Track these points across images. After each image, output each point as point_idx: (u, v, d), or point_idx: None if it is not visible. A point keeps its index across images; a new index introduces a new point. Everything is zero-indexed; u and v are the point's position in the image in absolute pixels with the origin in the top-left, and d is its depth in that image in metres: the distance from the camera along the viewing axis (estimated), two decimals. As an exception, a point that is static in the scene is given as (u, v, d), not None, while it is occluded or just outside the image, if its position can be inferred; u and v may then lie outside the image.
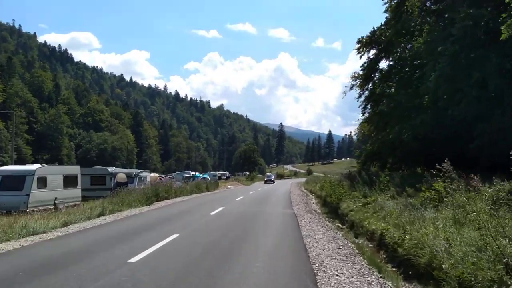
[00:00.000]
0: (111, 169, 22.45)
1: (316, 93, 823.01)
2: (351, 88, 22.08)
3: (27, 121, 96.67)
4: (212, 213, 16.18)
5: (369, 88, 21.78)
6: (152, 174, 26.35)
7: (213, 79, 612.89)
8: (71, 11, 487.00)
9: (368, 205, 10.51)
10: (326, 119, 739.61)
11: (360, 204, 11.10)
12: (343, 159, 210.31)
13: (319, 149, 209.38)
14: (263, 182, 66.83)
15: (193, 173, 68.60)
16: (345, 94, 22.64)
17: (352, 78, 21.95)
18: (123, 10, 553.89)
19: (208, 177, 65.55)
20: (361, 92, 22.10)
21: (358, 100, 22.47)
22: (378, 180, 11.76)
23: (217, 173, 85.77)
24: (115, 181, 20.37)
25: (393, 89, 19.88)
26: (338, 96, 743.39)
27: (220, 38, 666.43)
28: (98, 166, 24.22)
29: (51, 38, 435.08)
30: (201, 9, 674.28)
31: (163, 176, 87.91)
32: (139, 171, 23.69)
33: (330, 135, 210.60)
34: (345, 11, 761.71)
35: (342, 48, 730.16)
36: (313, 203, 20.32)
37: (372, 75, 21.47)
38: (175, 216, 15.52)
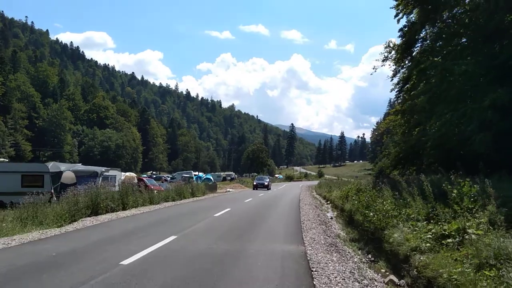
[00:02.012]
0: (64, 166, 17.48)
1: (328, 95, 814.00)
2: (384, 61, 16.74)
3: (27, 116, 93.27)
4: (127, 262, 7.11)
5: (406, 65, 16.46)
6: (127, 174, 21.28)
7: (225, 80, 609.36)
8: (86, 11, 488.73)
9: (449, 240, 5.38)
10: (338, 121, 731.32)
11: (429, 235, 5.89)
12: (355, 161, 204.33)
13: (330, 151, 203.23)
14: (252, 187, 45.21)
15: (195, 173, 63.91)
16: (375, 70, 17.30)
17: (386, 48, 16.62)
18: (138, 11, 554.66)
19: (211, 177, 60.85)
20: (397, 69, 16.80)
21: (392, 80, 17.19)
22: (456, 190, 6.46)
23: (222, 173, 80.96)
24: (59, 182, 15.46)
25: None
26: (350, 98, 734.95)
27: (233, 39, 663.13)
28: (52, 162, 18.74)
29: (66, 37, 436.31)
30: (214, 10, 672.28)
31: (165, 176, 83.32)
32: (103, 169, 18.50)
33: (342, 136, 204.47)
34: (358, 13, 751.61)
35: (355, 50, 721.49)
36: (331, 217, 14.48)
37: (411, 49, 16.16)
38: (38, 269, 6.72)
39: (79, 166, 19.72)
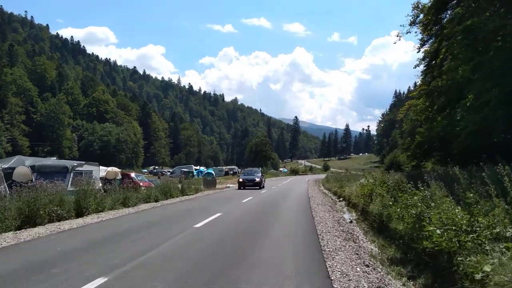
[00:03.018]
0: (29, 160, 14.73)
1: (331, 88, 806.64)
2: (411, 25, 13.73)
3: (24, 111, 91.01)
4: None
5: (437, 33, 13.60)
6: (109, 169, 18.26)
7: (228, 74, 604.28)
8: (87, 6, 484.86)
9: None
10: (341, 114, 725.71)
11: None
12: (360, 154, 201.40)
13: (335, 143, 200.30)
14: (237, 186, 31.94)
15: (196, 167, 61.44)
16: (399, 38, 14.31)
17: (413, 9, 13.62)
18: (139, 5, 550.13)
19: (212, 172, 58.38)
20: (426, 38, 13.92)
21: (419, 50, 14.34)
22: None
23: (224, 168, 78.43)
24: (10, 179, 12.74)
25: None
26: (353, 91, 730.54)
27: (235, 33, 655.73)
28: (17, 156, 15.92)
29: (68, 33, 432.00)
30: (216, 4, 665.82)
31: (164, 171, 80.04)
32: (75, 163, 15.51)
33: (347, 129, 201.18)
34: (361, 5, 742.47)
35: (358, 42, 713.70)
36: (350, 221, 11.21)
37: (441, 15, 13.28)
38: None
39: (48, 160, 17.09)
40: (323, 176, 58.58)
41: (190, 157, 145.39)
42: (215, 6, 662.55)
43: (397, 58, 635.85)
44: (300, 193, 25.42)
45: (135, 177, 21.73)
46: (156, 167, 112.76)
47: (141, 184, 19.68)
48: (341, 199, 18.53)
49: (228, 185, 36.94)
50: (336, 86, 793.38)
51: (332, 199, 19.59)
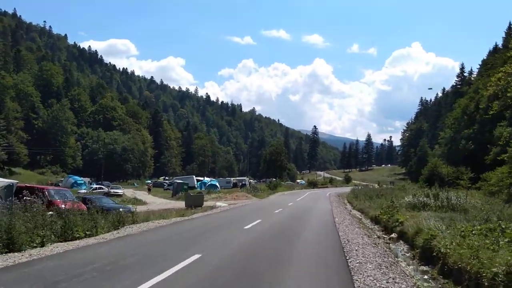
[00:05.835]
0: None
1: (351, 99, 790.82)
2: None
3: (25, 117, 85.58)
4: None
5: None
6: None
7: (247, 86, 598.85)
8: (108, 19, 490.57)
9: None
10: (361, 126, 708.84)
11: None
12: (383, 165, 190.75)
13: (356, 154, 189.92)
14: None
15: (200, 178, 53.87)
16: None
17: None
18: (160, 18, 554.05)
19: (217, 184, 50.79)
20: None
21: None
22: None
23: (232, 179, 70.39)
24: None
25: None
26: (373, 102, 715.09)
27: (254, 45, 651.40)
28: None
29: (89, 45, 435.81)
30: (235, 16, 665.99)
31: (166, 183, 71.60)
32: None
33: (369, 139, 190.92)
34: (381, 17, 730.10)
35: (378, 54, 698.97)
36: None
37: None
38: None
39: None
40: (346, 189, 49.92)
41: (204, 167, 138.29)
42: (234, 19, 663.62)
43: (418, 69, 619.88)
44: (323, 228, 13.85)
45: (52, 193, 14.11)
46: (167, 177, 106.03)
47: (63, 205, 12.07)
48: (394, 234, 10.42)
49: (218, 203, 26.84)
50: (355, 97, 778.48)
51: (376, 234, 11.30)
